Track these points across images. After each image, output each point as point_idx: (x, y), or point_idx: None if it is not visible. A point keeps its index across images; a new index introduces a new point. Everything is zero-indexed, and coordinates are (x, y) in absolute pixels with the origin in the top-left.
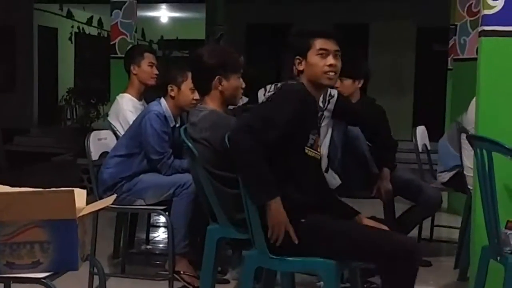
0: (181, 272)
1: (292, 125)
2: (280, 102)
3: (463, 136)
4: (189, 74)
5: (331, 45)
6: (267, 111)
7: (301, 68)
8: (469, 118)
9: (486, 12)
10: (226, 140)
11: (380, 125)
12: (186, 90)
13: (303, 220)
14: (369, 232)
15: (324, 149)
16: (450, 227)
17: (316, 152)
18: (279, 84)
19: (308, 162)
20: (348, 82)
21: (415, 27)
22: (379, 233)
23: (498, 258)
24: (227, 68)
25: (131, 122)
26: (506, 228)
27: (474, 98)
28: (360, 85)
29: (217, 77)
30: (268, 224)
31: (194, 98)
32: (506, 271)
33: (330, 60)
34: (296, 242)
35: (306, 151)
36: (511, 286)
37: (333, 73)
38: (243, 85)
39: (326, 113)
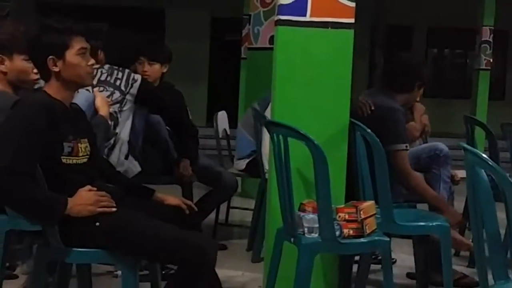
0: None
1: (45, 142)
2: (24, 125)
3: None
4: None
5: (86, 43)
6: (15, 141)
7: (56, 69)
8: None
9: (282, 2)
10: None
11: (180, 111)
12: None
13: (97, 224)
14: (167, 235)
15: (124, 135)
16: (244, 209)
17: (78, 157)
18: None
19: (68, 171)
20: (157, 66)
21: (209, 16)
22: (177, 236)
23: (292, 239)
24: (10, 47)
25: None
26: (299, 210)
27: None
28: (165, 70)
29: None
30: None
31: None
32: (299, 252)
33: (91, 59)
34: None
35: (64, 160)
36: (303, 264)
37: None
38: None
39: (128, 97)
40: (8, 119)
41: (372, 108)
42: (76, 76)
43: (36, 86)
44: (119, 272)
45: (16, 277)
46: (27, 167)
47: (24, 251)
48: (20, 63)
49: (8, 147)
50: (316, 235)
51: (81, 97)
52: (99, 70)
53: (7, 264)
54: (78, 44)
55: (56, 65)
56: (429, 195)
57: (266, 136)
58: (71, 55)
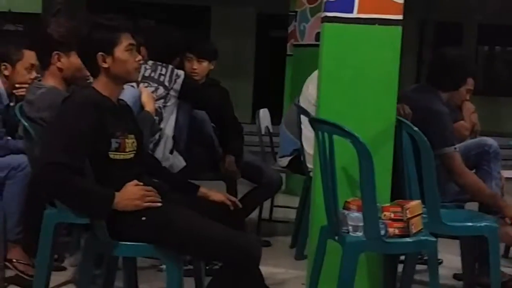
0: (14, 260)
1: (93, 138)
2: (73, 122)
3: (304, 117)
4: (26, 53)
5: (134, 40)
6: (64, 137)
7: (106, 65)
8: (305, 93)
9: None
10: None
11: (225, 108)
12: (22, 70)
13: (143, 218)
14: (211, 233)
15: (169, 130)
16: (288, 207)
17: (125, 153)
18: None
19: (115, 166)
20: (205, 63)
21: (255, 13)
22: (221, 234)
23: (336, 237)
24: (66, 44)
25: None
26: (344, 208)
27: (312, 74)
28: (213, 67)
29: (55, 52)
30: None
31: (31, 78)
32: (344, 250)
33: (138, 55)
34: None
35: (111, 156)
36: (348, 263)
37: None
38: None
39: (172, 93)
40: (57, 115)
41: (407, 112)
42: (124, 72)
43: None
44: (164, 266)
45: (64, 269)
46: (76, 162)
47: (72, 244)
48: (76, 60)
49: (58, 143)
50: (361, 233)
51: (127, 93)
52: (143, 66)
53: (56, 256)
54: (126, 40)
55: (105, 61)
56: (485, 193)
57: (308, 132)
58: (120, 51)
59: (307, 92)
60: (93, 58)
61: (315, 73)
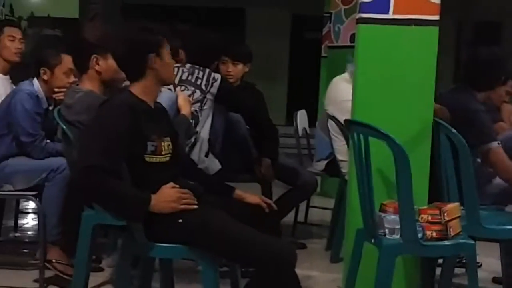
0: (53, 261)
1: (129, 141)
2: (110, 125)
3: (330, 121)
4: (64, 58)
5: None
6: (101, 140)
7: (156, 66)
8: (328, 96)
9: (364, 0)
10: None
11: (260, 110)
12: (60, 74)
13: (180, 221)
14: (246, 237)
15: (205, 133)
16: (324, 208)
17: (161, 156)
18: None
19: (151, 169)
20: (240, 66)
21: (289, 15)
22: (256, 238)
23: (373, 240)
24: (104, 48)
25: None
26: (380, 211)
27: (335, 78)
28: (248, 69)
29: (94, 56)
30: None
31: (69, 82)
32: (380, 253)
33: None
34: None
35: (147, 159)
36: (384, 266)
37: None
38: None
39: (209, 96)
40: (95, 118)
41: (446, 115)
42: (169, 74)
43: (123, 85)
44: (200, 268)
45: (102, 269)
46: (112, 165)
47: (109, 245)
48: (113, 62)
49: (95, 146)
50: (398, 236)
51: (164, 96)
52: (180, 69)
53: (94, 257)
54: (167, 44)
55: (155, 62)
56: None
57: (335, 136)
58: (166, 54)
59: (327, 96)
60: (142, 59)
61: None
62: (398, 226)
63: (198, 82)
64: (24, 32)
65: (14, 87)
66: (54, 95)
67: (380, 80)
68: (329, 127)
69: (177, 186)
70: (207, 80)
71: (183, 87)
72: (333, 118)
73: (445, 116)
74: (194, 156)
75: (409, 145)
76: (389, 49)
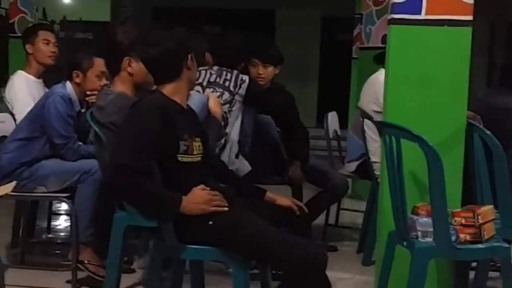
0: (85, 262)
1: (161, 141)
2: (141, 126)
3: (367, 121)
4: (96, 61)
5: None
6: (132, 140)
7: (191, 67)
8: (366, 93)
9: (396, 0)
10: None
11: (290, 112)
12: (92, 77)
13: (210, 223)
14: (276, 240)
15: (234, 135)
16: (355, 210)
17: (193, 156)
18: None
19: (183, 169)
20: (270, 68)
21: (319, 16)
22: (286, 241)
23: (405, 243)
24: (137, 49)
25: (20, 99)
26: (412, 213)
27: (369, 78)
28: (278, 72)
29: (126, 57)
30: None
31: (101, 84)
32: (413, 256)
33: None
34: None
35: (180, 158)
36: (417, 269)
37: None
38: None
39: (237, 98)
40: (126, 119)
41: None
42: (196, 76)
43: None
44: (231, 270)
45: (133, 271)
46: (144, 165)
47: (141, 246)
48: None
49: (127, 147)
50: (431, 239)
51: (195, 98)
52: (208, 72)
53: (125, 259)
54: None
55: (190, 64)
56: None
57: (370, 136)
58: (195, 56)
59: (361, 97)
60: (181, 60)
61: (370, 78)
62: (431, 229)
63: (226, 84)
64: (56, 35)
65: (47, 90)
66: (86, 98)
67: (412, 81)
68: (365, 127)
69: (208, 188)
70: (235, 82)
71: (211, 89)
72: (370, 117)
73: (477, 123)
74: (224, 157)
75: (442, 147)
76: (421, 50)
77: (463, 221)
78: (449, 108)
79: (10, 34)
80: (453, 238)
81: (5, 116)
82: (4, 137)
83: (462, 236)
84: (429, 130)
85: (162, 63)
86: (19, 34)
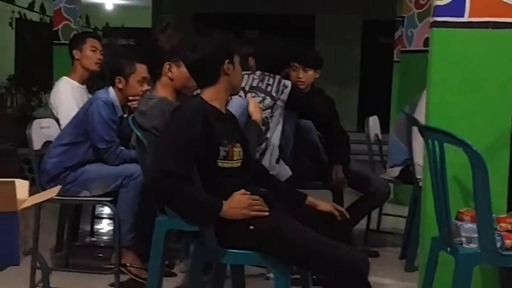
0: (128, 265)
1: (201, 147)
2: (182, 131)
3: (414, 128)
4: (138, 67)
5: None
6: (175, 146)
7: (230, 72)
8: (421, 110)
9: (438, 3)
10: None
11: (331, 117)
12: (134, 83)
13: (251, 227)
14: (319, 245)
15: (275, 140)
16: (397, 216)
17: (232, 161)
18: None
19: (223, 174)
20: (310, 72)
21: (360, 20)
22: (329, 247)
23: (449, 249)
24: (177, 55)
25: (65, 104)
26: (456, 219)
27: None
28: (318, 76)
29: (167, 63)
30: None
31: (143, 90)
32: (457, 262)
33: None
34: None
35: (220, 164)
36: (461, 276)
37: None
38: None
39: (279, 103)
40: (168, 125)
41: None
42: (238, 81)
43: (195, 93)
44: (271, 275)
45: (174, 275)
46: (185, 170)
47: (182, 250)
48: (186, 70)
49: (168, 151)
50: (475, 245)
51: (235, 103)
52: (251, 76)
53: (167, 262)
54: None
55: (229, 69)
56: None
57: (418, 140)
58: (237, 62)
59: (419, 108)
60: (218, 65)
61: None
62: (476, 235)
63: (269, 89)
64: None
65: (90, 96)
66: (128, 103)
67: (456, 85)
68: (413, 131)
69: (248, 192)
70: (277, 87)
71: (253, 94)
72: (418, 123)
73: None
74: (265, 162)
75: (487, 151)
76: (464, 53)
77: (509, 227)
78: (494, 112)
79: (55, 41)
80: (498, 244)
81: (50, 121)
82: (49, 142)
83: (507, 242)
84: (473, 135)
85: (199, 68)
86: (63, 41)
